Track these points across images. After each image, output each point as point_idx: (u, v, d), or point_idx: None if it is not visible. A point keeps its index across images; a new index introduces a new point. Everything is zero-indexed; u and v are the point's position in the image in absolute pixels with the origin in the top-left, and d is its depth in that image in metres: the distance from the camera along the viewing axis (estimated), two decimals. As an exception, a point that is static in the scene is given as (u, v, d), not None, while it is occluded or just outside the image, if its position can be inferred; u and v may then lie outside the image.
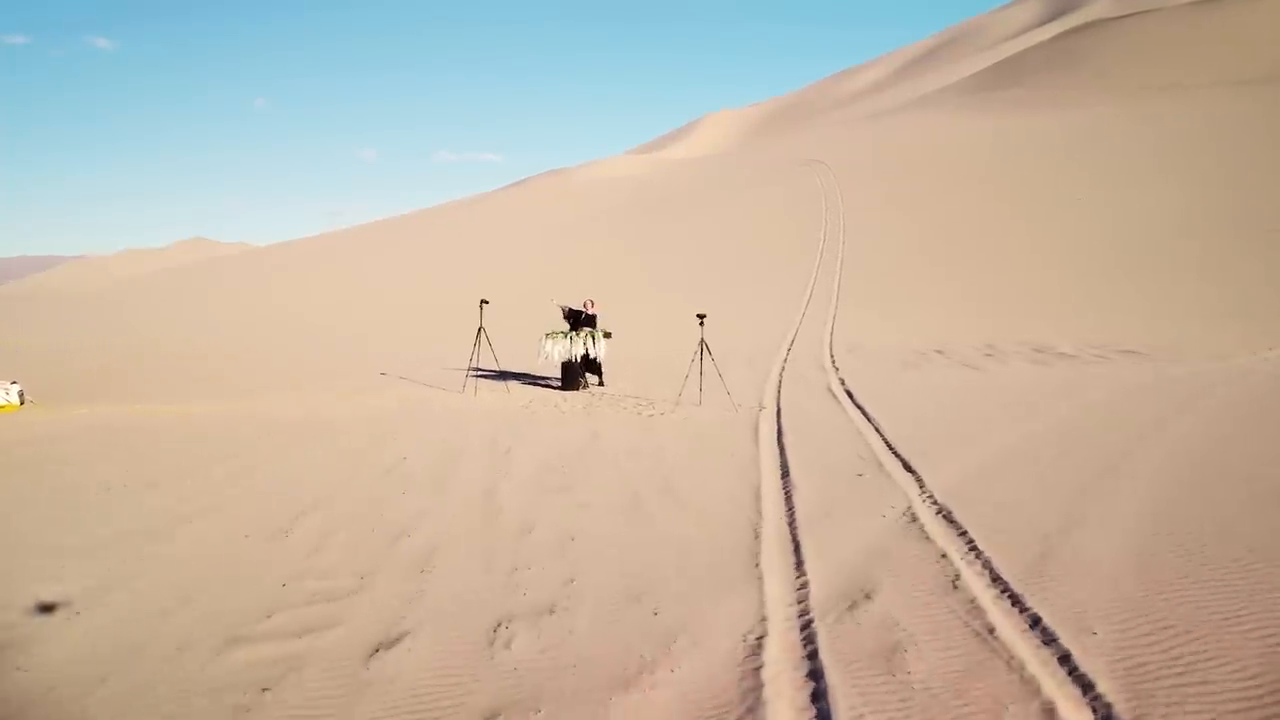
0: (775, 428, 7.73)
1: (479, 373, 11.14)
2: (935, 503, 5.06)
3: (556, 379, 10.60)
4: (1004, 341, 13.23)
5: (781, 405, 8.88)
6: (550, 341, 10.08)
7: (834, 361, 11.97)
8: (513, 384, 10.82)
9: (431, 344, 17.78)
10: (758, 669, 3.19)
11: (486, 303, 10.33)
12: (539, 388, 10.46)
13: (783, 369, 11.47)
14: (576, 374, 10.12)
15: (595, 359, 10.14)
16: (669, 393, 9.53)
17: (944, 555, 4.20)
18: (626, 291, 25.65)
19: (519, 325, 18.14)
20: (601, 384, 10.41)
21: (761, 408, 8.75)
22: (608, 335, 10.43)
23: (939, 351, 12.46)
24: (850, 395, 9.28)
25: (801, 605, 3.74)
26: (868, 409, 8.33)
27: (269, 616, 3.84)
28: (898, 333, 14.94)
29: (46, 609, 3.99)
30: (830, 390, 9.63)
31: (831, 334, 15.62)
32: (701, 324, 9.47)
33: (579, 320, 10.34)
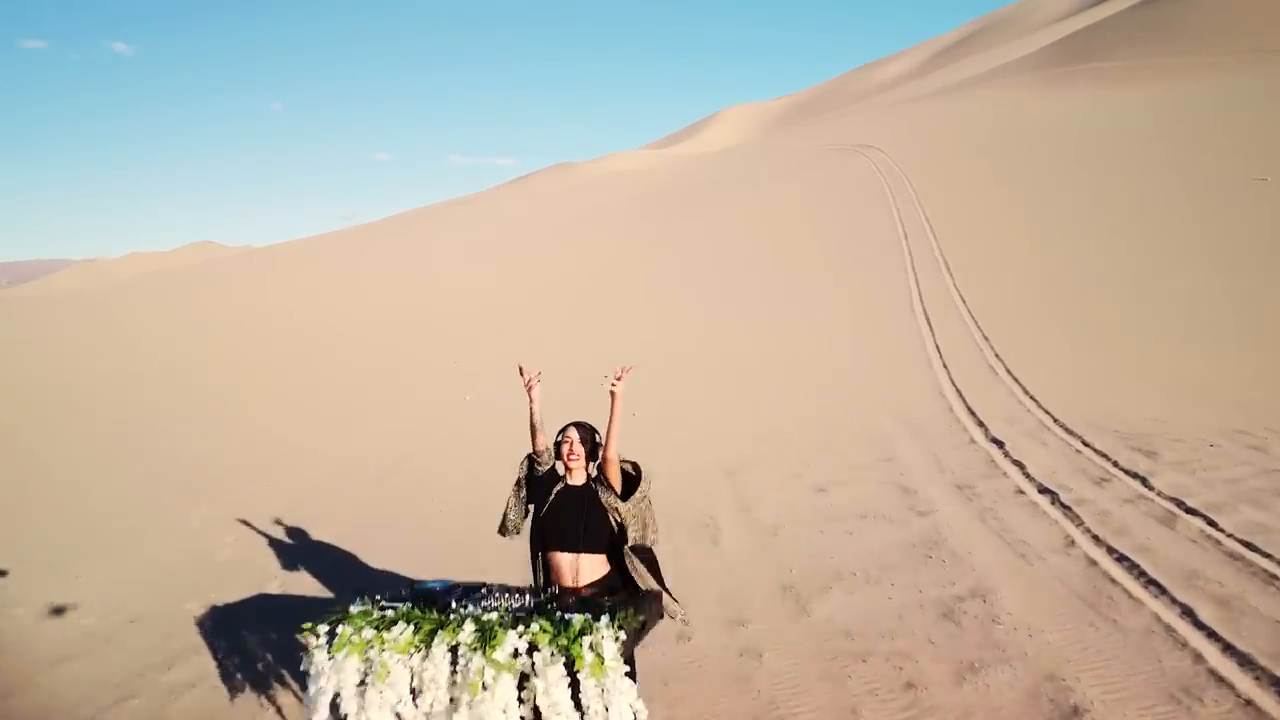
0: None
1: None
2: None
3: None
4: None
5: None
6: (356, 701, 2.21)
7: (1211, 521, 5.09)
8: None
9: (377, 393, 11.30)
10: None
11: None
12: None
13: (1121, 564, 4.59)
14: None
15: None
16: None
17: None
18: (644, 313, 18.97)
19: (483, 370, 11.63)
20: None
21: None
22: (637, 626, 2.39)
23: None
24: None
25: None
26: None
27: None
28: (1166, 392, 8.07)
29: None
30: None
31: (1024, 389, 8.84)
32: None
33: (558, 486, 2.95)
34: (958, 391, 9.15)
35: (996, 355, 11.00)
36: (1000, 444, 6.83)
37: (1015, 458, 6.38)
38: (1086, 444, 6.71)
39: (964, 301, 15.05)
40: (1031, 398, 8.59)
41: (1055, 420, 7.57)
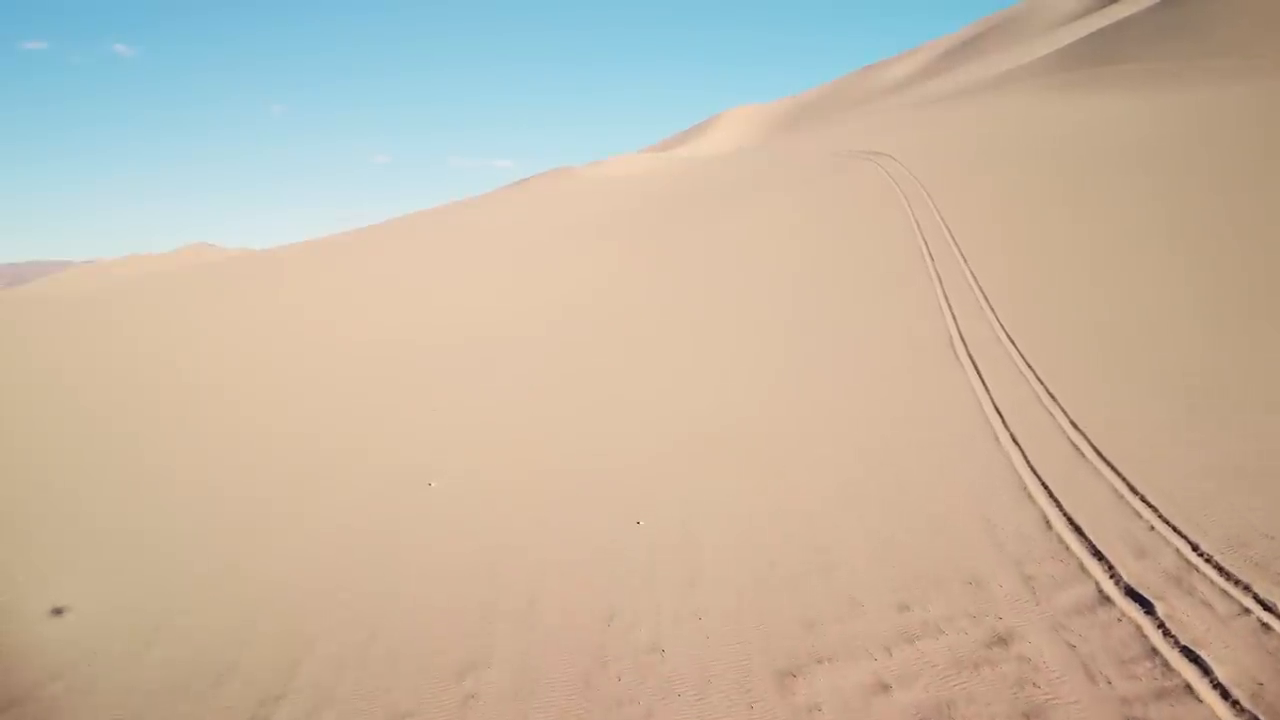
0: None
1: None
2: None
3: None
4: None
5: None
6: None
7: None
8: None
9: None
10: None
11: None
12: None
13: None
14: None
15: None
16: None
17: None
18: (633, 365, 17.07)
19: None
20: None
21: None
22: None
23: None
24: None
25: None
26: None
27: None
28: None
29: None
30: None
31: (1129, 486, 6.98)
32: None
33: None
34: (1046, 490, 7.28)
35: (1074, 424, 9.13)
36: (1147, 606, 4.97)
37: (1182, 640, 4.54)
38: (1268, 607, 4.85)
39: (1014, 344, 13.17)
40: (1146, 502, 6.73)
41: (1197, 550, 5.72)
